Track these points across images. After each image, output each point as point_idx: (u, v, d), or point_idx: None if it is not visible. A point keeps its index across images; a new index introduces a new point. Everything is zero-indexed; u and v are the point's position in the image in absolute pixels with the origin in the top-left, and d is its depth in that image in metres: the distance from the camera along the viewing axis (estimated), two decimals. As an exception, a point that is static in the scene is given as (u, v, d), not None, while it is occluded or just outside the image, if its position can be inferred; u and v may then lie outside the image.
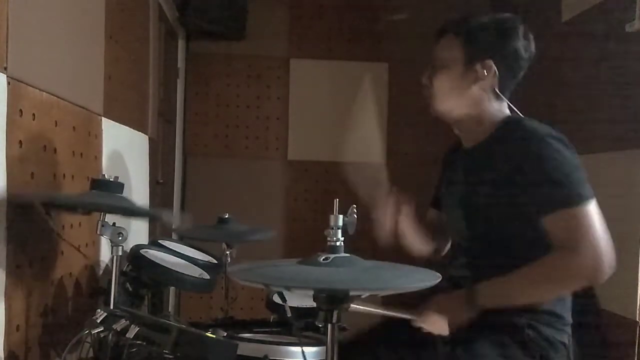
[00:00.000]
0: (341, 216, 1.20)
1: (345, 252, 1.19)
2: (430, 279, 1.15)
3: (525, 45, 1.65)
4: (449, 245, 1.92)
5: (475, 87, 1.66)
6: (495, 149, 1.62)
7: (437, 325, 1.50)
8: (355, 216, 1.24)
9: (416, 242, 1.80)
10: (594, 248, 1.46)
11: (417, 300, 1.54)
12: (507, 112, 1.69)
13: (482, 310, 1.52)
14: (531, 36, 1.67)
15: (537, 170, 1.51)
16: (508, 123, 1.64)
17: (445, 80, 1.68)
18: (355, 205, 1.26)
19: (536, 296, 1.55)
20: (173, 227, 2.95)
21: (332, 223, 1.20)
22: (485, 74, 1.64)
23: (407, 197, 1.74)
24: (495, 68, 1.63)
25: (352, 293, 1.12)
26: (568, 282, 1.53)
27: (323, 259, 1.15)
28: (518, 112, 1.69)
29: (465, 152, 1.74)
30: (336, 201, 1.20)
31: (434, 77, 1.69)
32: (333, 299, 1.12)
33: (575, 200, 1.48)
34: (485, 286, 1.54)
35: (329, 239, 1.19)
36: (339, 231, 1.19)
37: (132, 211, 1.82)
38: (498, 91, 1.66)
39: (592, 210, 1.48)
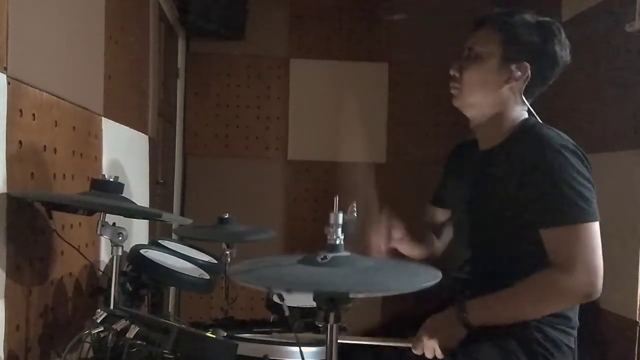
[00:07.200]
0: (341, 214, 1.16)
1: (345, 251, 1.17)
2: (431, 278, 1.13)
3: (562, 54, 1.61)
4: (447, 242, 1.90)
5: (506, 87, 1.61)
6: (510, 154, 1.59)
7: (431, 349, 1.48)
8: (356, 214, 1.21)
9: (414, 252, 1.79)
10: (588, 269, 1.44)
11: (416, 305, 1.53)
12: (526, 115, 1.65)
13: (473, 328, 1.49)
14: (568, 43, 1.62)
15: (545, 181, 1.48)
16: (524, 127, 1.61)
17: (477, 74, 1.62)
18: (355, 203, 1.24)
19: (527, 314, 1.52)
20: (173, 227, 2.94)
21: (331, 221, 1.16)
22: (520, 75, 1.59)
23: (396, 220, 1.70)
24: (530, 71, 1.59)
25: (352, 295, 1.10)
26: (559, 301, 1.51)
27: (322, 258, 1.14)
28: (537, 117, 1.65)
29: (481, 154, 1.70)
30: (336, 198, 1.16)
31: (465, 69, 1.63)
32: (333, 300, 1.11)
33: (578, 217, 1.45)
34: (475, 304, 1.51)
35: (328, 237, 1.16)
36: (339, 229, 1.16)
37: (132, 211, 1.82)
38: (525, 95, 1.62)
39: (593, 231, 1.46)
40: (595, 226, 1.47)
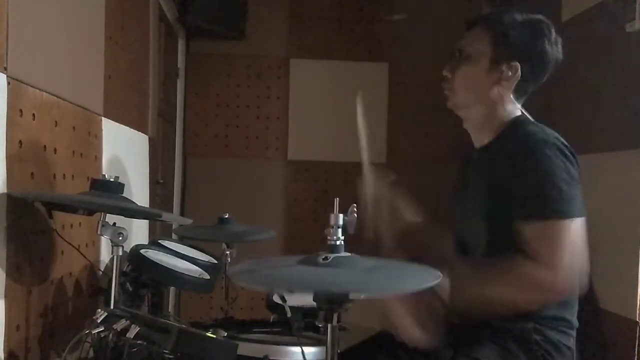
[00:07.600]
0: (341, 215, 1.18)
1: (345, 251, 1.18)
2: (431, 278, 1.14)
3: (553, 51, 1.61)
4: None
5: (497, 87, 1.62)
6: (497, 151, 1.60)
7: (402, 327, 1.43)
8: (356, 215, 1.23)
9: (406, 210, 1.78)
10: (563, 267, 1.41)
11: None
12: (518, 113, 1.66)
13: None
14: (560, 41, 1.62)
15: (529, 177, 1.48)
16: (512, 125, 1.62)
17: (468, 74, 1.64)
18: (355, 204, 1.25)
19: (490, 297, 1.45)
20: (173, 227, 2.95)
21: (332, 222, 1.17)
22: (510, 75, 1.60)
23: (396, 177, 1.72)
24: (520, 71, 1.59)
25: (352, 296, 1.11)
26: (533, 293, 1.45)
27: (323, 259, 1.15)
28: (528, 116, 1.66)
29: (474, 153, 1.72)
30: (336, 200, 1.18)
31: (456, 70, 1.65)
32: (333, 300, 1.11)
33: (556, 214, 1.43)
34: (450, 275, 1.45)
35: (329, 238, 1.17)
36: (339, 230, 1.17)
37: (132, 211, 1.82)
38: (517, 93, 1.63)
39: (574, 227, 1.43)
40: (577, 222, 1.45)
